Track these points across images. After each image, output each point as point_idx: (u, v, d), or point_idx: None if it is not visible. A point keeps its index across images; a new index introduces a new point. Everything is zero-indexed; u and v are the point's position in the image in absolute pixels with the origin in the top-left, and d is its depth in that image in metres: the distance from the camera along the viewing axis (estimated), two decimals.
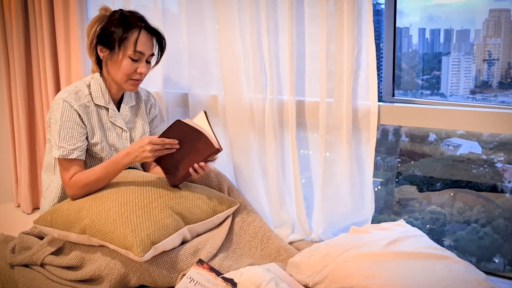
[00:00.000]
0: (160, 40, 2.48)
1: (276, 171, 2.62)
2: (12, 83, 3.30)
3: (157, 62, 2.54)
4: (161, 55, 2.53)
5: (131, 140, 2.54)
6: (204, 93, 2.83)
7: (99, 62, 2.46)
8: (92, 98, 2.43)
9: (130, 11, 2.42)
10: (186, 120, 2.23)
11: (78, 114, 2.36)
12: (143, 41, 2.39)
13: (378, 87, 2.37)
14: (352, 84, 2.38)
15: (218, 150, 2.27)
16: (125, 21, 2.37)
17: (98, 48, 2.41)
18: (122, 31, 2.35)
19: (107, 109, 2.48)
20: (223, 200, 2.43)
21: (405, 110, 2.47)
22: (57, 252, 2.31)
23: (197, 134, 2.24)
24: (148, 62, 2.45)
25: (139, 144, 2.25)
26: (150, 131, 2.63)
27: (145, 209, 2.19)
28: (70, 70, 3.07)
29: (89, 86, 2.45)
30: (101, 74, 2.48)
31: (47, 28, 3.08)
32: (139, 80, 2.44)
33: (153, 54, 2.46)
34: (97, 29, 2.40)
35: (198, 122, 2.29)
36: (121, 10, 2.43)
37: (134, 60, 2.38)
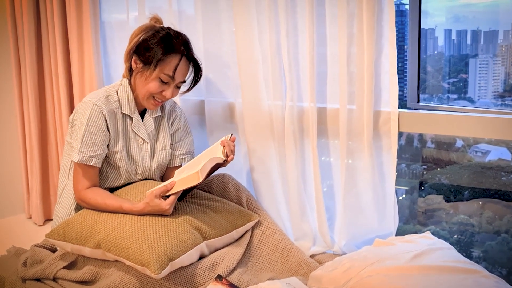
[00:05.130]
0: (197, 70, 2.50)
1: (296, 181, 2.62)
2: (24, 89, 3.32)
3: (188, 90, 2.56)
4: (194, 85, 2.54)
5: (152, 153, 2.56)
6: (221, 99, 2.84)
7: (130, 70, 2.48)
8: (120, 105, 2.46)
9: (177, 33, 2.44)
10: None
11: (105, 119, 2.38)
12: (180, 69, 2.41)
13: (403, 91, 2.36)
14: (373, 89, 2.38)
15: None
16: (168, 43, 2.38)
17: (133, 59, 2.43)
18: (162, 52, 2.37)
19: (131, 118, 2.49)
20: (243, 214, 2.44)
21: (427, 117, 2.46)
22: (70, 266, 2.32)
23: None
24: (177, 87, 2.46)
25: (158, 209, 2.23)
26: (171, 144, 2.64)
27: (162, 223, 2.20)
28: (83, 75, 3.08)
29: (117, 92, 2.47)
30: (129, 82, 2.50)
31: (59, 32, 3.10)
32: (161, 102, 2.46)
33: (184, 81, 2.48)
34: (140, 38, 2.42)
35: (215, 147, 2.36)
36: (169, 28, 2.44)
37: (163, 82, 2.40)
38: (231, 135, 2.40)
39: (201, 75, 2.51)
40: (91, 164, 2.37)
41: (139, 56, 2.41)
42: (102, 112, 2.36)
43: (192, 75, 2.51)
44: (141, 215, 2.25)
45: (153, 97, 2.43)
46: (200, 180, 2.18)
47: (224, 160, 2.30)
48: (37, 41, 3.25)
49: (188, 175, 2.21)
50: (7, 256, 2.67)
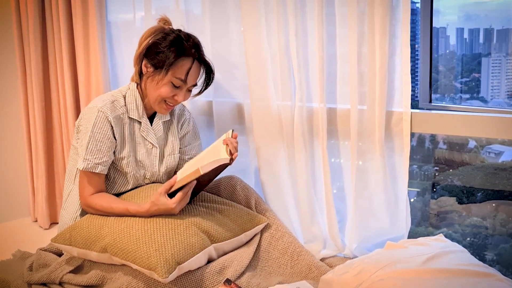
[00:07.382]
0: (208, 72, 2.49)
1: (306, 183, 2.62)
2: (29, 90, 3.32)
3: (200, 93, 2.55)
4: (206, 87, 2.53)
5: (161, 157, 2.55)
6: (230, 100, 2.84)
7: (140, 73, 2.47)
8: (127, 110, 2.45)
9: (188, 35, 2.42)
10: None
11: (111, 126, 2.37)
12: (192, 72, 2.40)
13: (414, 91, 2.35)
14: (386, 89, 2.37)
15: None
16: (179, 46, 2.37)
17: (144, 62, 2.42)
18: (174, 56, 2.35)
19: (140, 122, 2.49)
20: (251, 217, 2.43)
21: (440, 118, 2.45)
22: (76, 270, 2.32)
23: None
24: (189, 90, 2.46)
25: (164, 207, 2.23)
26: (180, 148, 2.63)
27: (169, 226, 2.19)
28: (89, 76, 3.08)
29: (124, 97, 2.47)
30: (138, 86, 2.49)
31: (65, 32, 3.10)
32: (173, 106, 2.46)
33: (196, 84, 2.47)
34: (150, 41, 2.41)
35: (217, 146, 2.33)
36: (179, 31, 2.43)
37: (175, 87, 2.39)
38: (232, 131, 2.38)
39: (213, 77, 2.50)
40: (97, 171, 2.37)
41: (150, 60, 2.40)
42: (108, 119, 2.36)
43: (203, 77, 2.50)
44: (148, 216, 2.25)
45: (165, 101, 2.42)
46: (201, 173, 2.16)
47: (230, 159, 2.30)
48: (43, 41, 3.25)
49: (190, 172, 2.21)
50: (12, 260, 2.68)
